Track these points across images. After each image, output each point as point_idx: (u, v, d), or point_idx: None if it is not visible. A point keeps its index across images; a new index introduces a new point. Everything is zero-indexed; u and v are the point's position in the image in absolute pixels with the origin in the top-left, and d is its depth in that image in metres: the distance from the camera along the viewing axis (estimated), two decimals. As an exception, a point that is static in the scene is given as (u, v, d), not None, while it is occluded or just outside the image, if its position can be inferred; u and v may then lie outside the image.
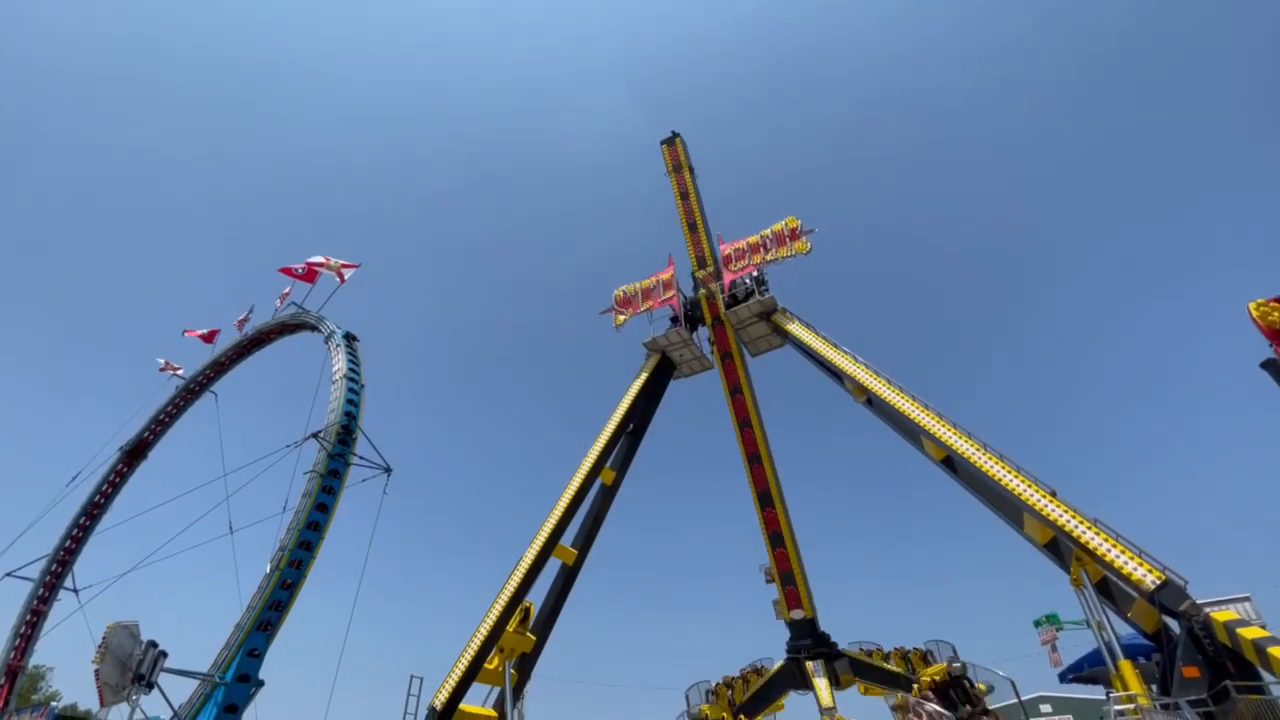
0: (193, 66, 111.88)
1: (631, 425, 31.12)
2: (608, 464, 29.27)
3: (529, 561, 24.12)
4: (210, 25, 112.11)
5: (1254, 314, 13.88)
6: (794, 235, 31.13)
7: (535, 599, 25.18)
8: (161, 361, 44.58)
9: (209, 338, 44.22)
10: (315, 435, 27.18)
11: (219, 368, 42.43)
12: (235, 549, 31.28)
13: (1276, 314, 13.43)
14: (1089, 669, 18.97)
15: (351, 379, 29.86)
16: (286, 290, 40.29)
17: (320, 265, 39.12)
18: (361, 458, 28.11)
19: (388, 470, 28.44)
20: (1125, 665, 15.53)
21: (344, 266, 39.32)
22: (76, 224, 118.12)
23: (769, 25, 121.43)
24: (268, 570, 23.12)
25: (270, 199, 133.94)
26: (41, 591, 38.76)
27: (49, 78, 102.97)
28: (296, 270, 39.23)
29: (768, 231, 32.17)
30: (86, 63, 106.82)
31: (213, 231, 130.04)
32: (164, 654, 19.31)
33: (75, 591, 39.16)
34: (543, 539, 24.85)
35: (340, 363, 30.74)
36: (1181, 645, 14.45)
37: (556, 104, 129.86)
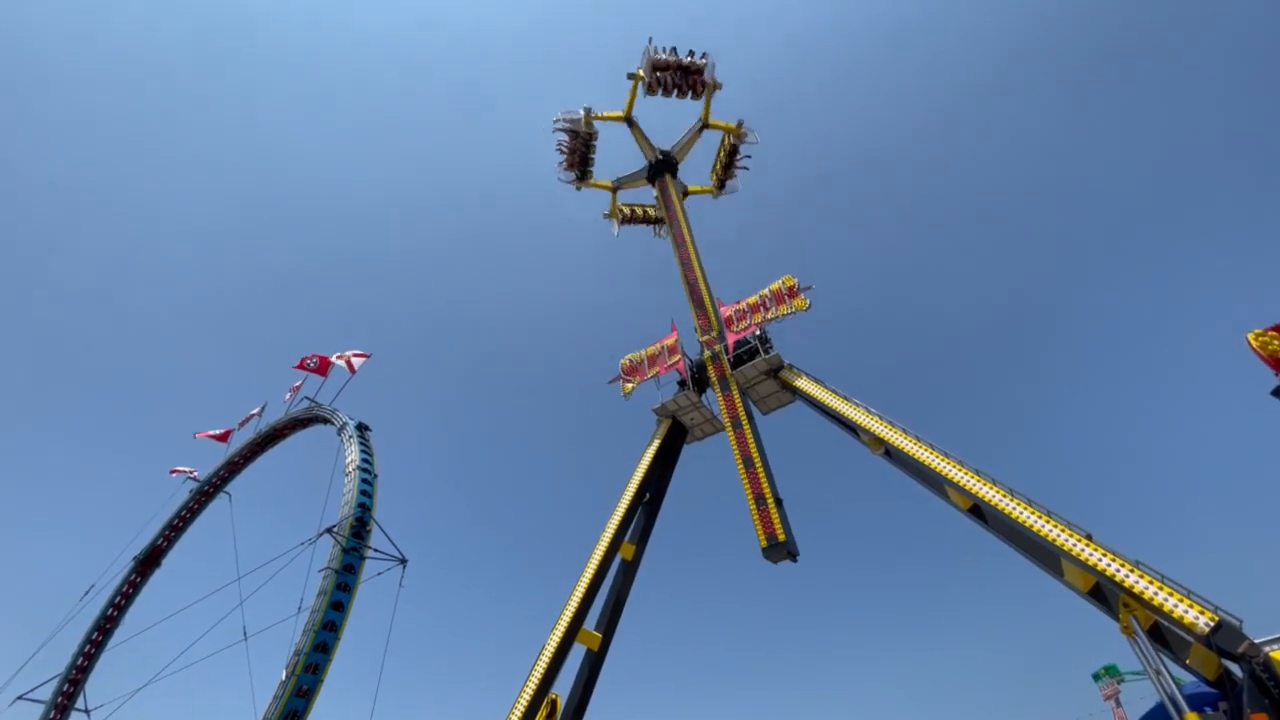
0: (189, 150, 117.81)
1: (648, 495, 30.59)
2: (626, 538, 28.58)
3: (552, 649, 23.19)
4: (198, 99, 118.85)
5: (1253, 344, 13.79)
6: (792, 293, 31.52)
7: (561, 689, 24.03)
8: (174, 469, 44.82)
9: (223, 438, 44.57)
10: (329, 530, 26.93)
11: (233, 467, 42.53)
12: (250, 656, 30.40)
13: (1277, 342, 13.34)
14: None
15: (365, 470, 29.83)
16: (297, 384, 40.91)
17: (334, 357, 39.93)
18: (376, 549, 27.70)
19: (403, 561, 27.93)
20: (1192, 718, 14.53)
21: (354, 356, 40.08)
22: (77, 327, 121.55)
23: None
24: (283, 678, 22.34)
25: (278, 293, 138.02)
26: (53, 715, 37.44)
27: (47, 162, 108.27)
28: (309, 364, 39.99)
29: (766, 291, 32.63)
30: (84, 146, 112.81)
31: (218, 329, 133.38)
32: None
33: (86, 713, 37.81)
34: (564, 624, 23.96)
35: (353, 454, 30.81)
36: (1246, 690, 13.63)
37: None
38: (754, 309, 32.66)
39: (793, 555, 26.22)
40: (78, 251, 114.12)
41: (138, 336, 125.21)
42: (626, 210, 41.80)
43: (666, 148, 39.16)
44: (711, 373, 33.09)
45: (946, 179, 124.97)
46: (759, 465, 28.76)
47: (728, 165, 39.25)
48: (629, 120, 38.37)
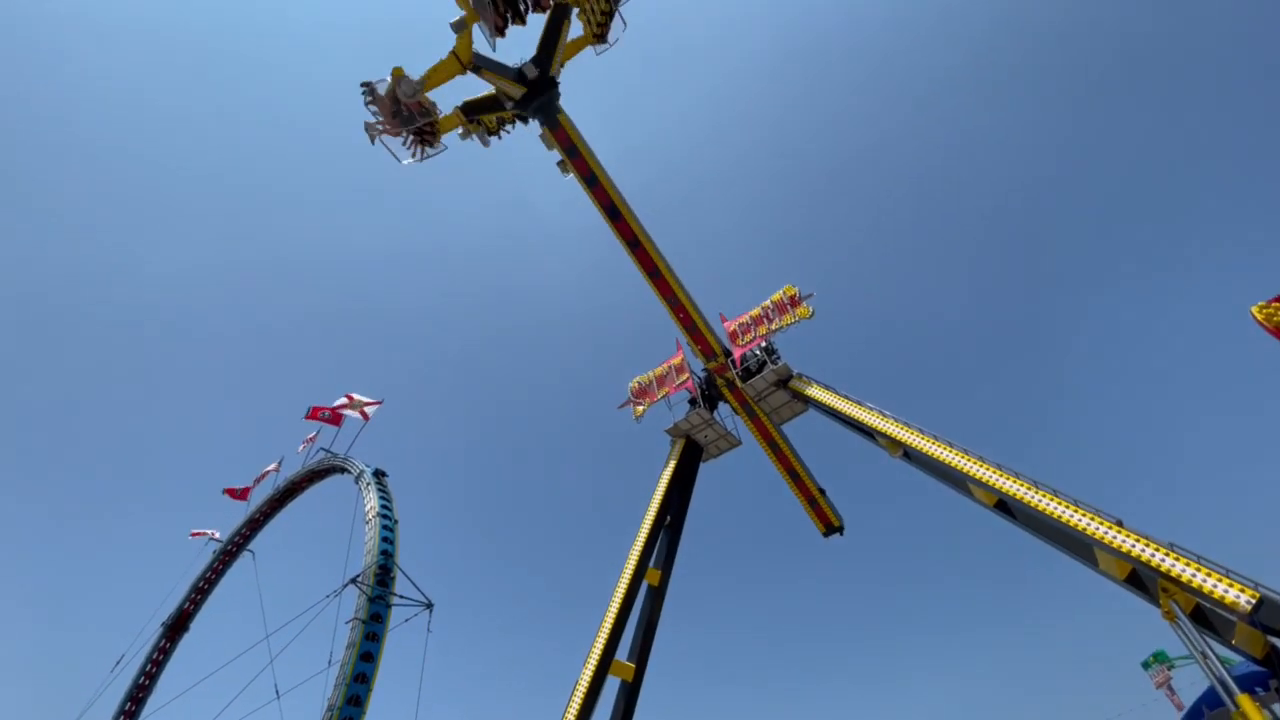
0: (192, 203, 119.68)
1: (668, 518, 30.40)
2: (650, 564, 28.34)
3: (585, 685, 22.84)
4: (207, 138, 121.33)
5: (1258, 317, 13.69)
6: (794, 302, 31.54)
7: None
8: (194, 531, 45.01)
9: (243, 495, 44.79)
10: (354, 580, 26.92)
11: (254, 525, 42.65)
12: (284, 714, 30.13)
13: None
14: (1209, 712, 17.25)
15: (385, 516, 29.91)
16: (311, 435, 41.13)
17: (344, 407, 40.19)
18: (402, 596, 27.62)
19: (429, 606, 27.82)
20: (1244, 700, 14.13)
21: (366, 404, 40.33)
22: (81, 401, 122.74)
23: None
24: (318, 734, 22.16)
25: (284, 344, 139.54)
26: (92, 792, 37.18)
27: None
28: (322, 415, 40.28)
29: (768, 302, 32.66)
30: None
31: (227, 383, 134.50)
32: None
33: (123, 789, 37.51)
34: (596, 657, 23.62)
35: (372, 501, 30.89)
36: (1297, 667, 13.25)
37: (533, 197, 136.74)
38: (757, 321, 32.65)
39: (841, 530, 32.62)
40: (80, 315, 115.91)
41: (143, 393, 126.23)
42: (491, 121, 27.89)
43: (524, 68, 25.89)
44: (733, 401, 32.91)
45: (946, 174, 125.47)
46: (802, 473, 32.40)
47: (604, 21, 26.15)
48: (474, 69, 25.64)
